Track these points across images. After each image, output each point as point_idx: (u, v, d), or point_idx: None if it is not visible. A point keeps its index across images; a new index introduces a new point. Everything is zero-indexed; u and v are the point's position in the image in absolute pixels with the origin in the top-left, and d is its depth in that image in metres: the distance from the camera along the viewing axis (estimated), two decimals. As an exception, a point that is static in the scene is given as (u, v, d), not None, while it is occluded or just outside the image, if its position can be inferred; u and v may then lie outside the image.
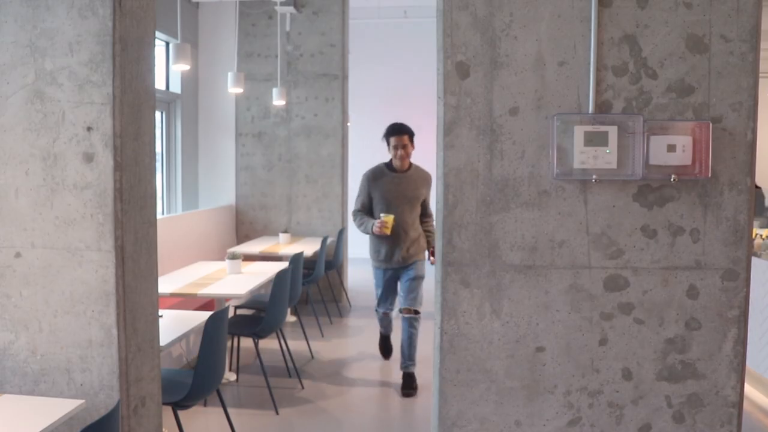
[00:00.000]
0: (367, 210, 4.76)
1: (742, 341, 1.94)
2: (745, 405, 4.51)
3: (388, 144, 4.69)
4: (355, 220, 4.73)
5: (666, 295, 1.94)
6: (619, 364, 1.97)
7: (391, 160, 4.72)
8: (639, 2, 1.91)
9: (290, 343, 5.19)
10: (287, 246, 6.39)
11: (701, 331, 1.95)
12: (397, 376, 4.87)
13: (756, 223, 5.47)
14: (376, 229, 4.54)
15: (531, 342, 1.96)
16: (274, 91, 6.69)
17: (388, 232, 4.54)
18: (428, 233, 4.81)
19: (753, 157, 1.91)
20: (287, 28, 7.21)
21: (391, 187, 4.69)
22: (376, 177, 4.73)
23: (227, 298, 4.58)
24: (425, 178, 4.81)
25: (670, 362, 1.96)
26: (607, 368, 1.97)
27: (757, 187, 6.71)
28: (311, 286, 6.49)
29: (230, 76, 6.11)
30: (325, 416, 4.31)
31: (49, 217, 2.27)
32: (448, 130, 1.95)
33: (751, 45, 1.91)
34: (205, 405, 4.19)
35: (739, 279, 1.93)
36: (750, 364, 4.72)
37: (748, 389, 4.92)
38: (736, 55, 1.91)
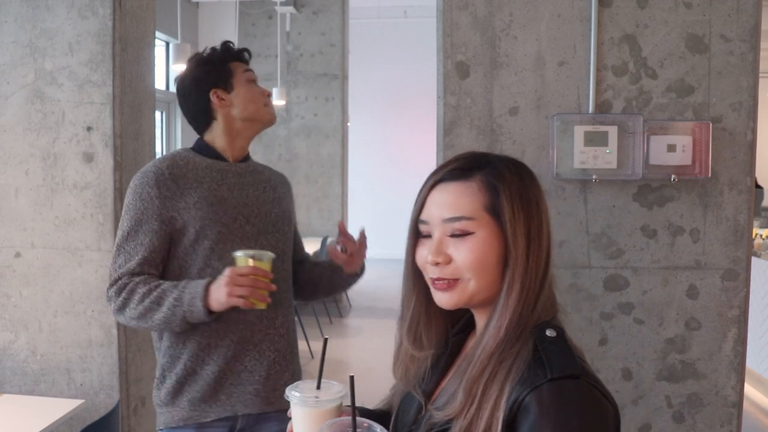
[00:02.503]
0: (157, 269, 1.78)
1: (742, 341, 1.94)
2: (745, 405, 4.51)
3: (221, 84, 1.89)
4: (119, 300, 1.72)
5: (666, 294, 1.94)
6: (619, 363, 1.97)
7: (199, 141, 1.92)
8: (639, 2, 1.91)
9: (290, 343, 5.17)
10: (287, 246, 6.37)
11: (701, 331, 1.95)
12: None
13: (756, 222, 5.47)
14: (235, 298, 1.64)
15: (531, 342, 1.96)
16: (274, 90, 6.69)
17: (261, 305, 1.68)
18: (319, 269, 2.06)
19: (753, 157, 1.91)
20: (287, 28, 7.21)
21: (231, 195, 1.86)
22: (179, 174, 1.81)
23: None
24: (285, 181, 2.12)
25: (670, 362, 1.96)
26: (607, 368, 1.97)
27: (759, 186, 6.71)
28: (311, 286, 6.48)
29: (230, 76, 6.10)
30: (325, 416, 4.30)
31: (49, 216, 2.27)
32: (448, 130, 1.95)
33: (751, 45, 1.91)
34: (205, 405, 4.18)
35: (739, 279, 1.93)
36: (750, 364, 4.72)
37: (748, 389, 4.93)
38: (736, 55, 1.91)
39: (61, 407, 2.09)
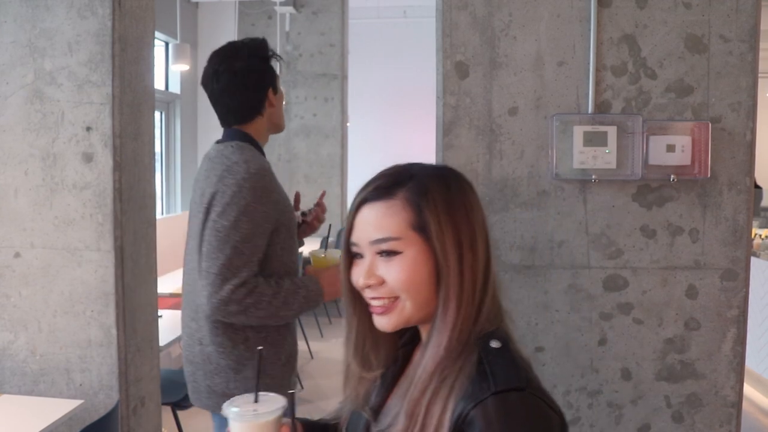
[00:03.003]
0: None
1: (741, 341, 1.94)
2: (745, 405, 4.51)
3: (272, 83, 2.02)
4: (247, 301, 1.81)
5: (665, 295, 1.94)
6: (618, 364, 1.97)
7: (247, 135, 1.99)
8: (638, 2, 1.91)
9: (290, 343, 5.18)
10: (287, 246, 6.36)
11: (700, 331, 1.95)
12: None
13: (755, 223, 5.48)
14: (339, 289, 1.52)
15: (530, 342, 1.96)
16: (274, 91, 6.69)
17: None
18: None
19: (752, 157, 1.91)
20: (287, 28, 7.21)
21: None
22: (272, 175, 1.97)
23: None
24: None
25: (670, 362, 1.96)
26: (607, 368, 1.97)
27: (758, 186, 6.71)
28: (311, 286, 6.48)
29: (230, 76, 6.10)
30: (325, 416, 4.30)
31: (48, 217, 2.27)
32: (448, 130, 1.95)
33: (750, 45, 1.91)
34: (204, 405, 4.18)
35: (738, 279, 1.93)
36: (749, 364, 4.71)
37: (748, 389, 4.92)
38: (735, 55, 1.91)
39: (60, 407, 2.09)
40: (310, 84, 7.26)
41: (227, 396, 1.84)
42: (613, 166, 1.89)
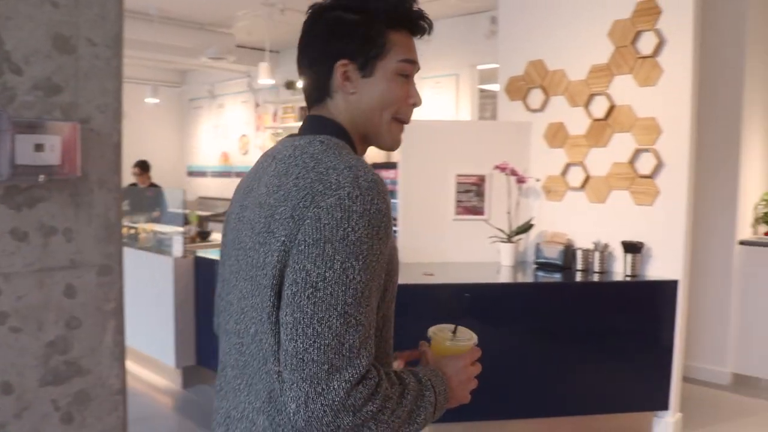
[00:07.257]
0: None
1: (121, 331, 2.06)
2: (139, 386, 4.80)
3: (381, 54, 1.32)
4: (368, 408, 1.07)
5: (43, 297, 1.91)
6: (-3, 378, 1.85)
7: (328, 121, 1.35)
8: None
9: None
10: None
11: (82, 329, 1.98)
12: None
13: (142, 217, 5.89)
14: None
15: None
16: None
17: None
18: None
19: (119, 157, 2.04)
20: None
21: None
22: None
23: None
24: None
25: (53, 365, 1.94)
26: (-16, 385, 1.83)
27: (155, 185, 7.24)
28: None
29: None
30: None
31: None
32: None
33: (115, 51, 2.03)
34: None
35: (113, 273, 2.03)
36: (140, 347, 5.02)
37: (143, 372, 5.27)
38: (102, 59, 2.00)
39: None
40: None
41: None
42: (-24, 166, 1.76)
